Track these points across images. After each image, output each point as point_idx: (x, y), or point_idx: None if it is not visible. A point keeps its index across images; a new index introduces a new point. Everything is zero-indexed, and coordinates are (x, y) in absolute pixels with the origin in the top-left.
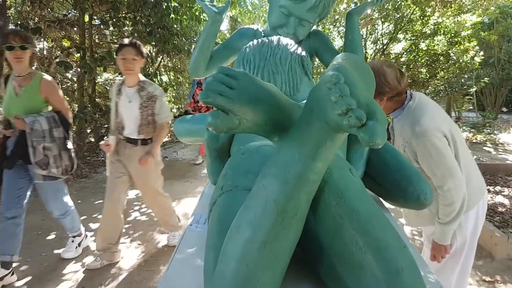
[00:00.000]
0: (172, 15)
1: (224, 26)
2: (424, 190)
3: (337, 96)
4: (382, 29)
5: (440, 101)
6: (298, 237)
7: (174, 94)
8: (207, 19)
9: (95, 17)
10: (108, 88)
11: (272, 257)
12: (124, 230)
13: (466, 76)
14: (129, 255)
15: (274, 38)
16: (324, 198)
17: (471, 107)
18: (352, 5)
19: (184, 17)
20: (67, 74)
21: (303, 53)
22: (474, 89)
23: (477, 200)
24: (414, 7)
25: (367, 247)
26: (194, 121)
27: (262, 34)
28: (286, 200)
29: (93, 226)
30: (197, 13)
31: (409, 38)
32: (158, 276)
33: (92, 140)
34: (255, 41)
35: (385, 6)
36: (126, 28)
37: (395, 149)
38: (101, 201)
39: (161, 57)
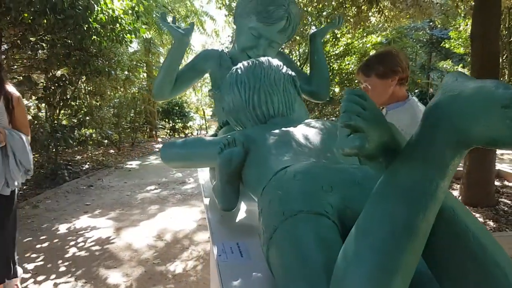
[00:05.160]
0: (94, 37)
1: (135, 45)
2: None
3: None
4: (298, 50)
5: None
6: None
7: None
8: (128, 41)
9: (4, 41)
10: None
11: (403, 285)
12: (64, 268)
13: None
14: None
15: (264, 59)
16: (437, 216)
17: None
18: (313, 28)
19: (105, 38)
20: None
21: (293, 73)
22: None
23: None
24: None
25: (487, 263)
26: (187, 146)
27: (228, 56)
28: (418, 223)
29: (29, 266)
30: (120, 34)
31: None
32: None
33: None
34: (245, 63)
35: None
36: (42, 51)
37: None
38: (30, 238)
39: (78, 80)
